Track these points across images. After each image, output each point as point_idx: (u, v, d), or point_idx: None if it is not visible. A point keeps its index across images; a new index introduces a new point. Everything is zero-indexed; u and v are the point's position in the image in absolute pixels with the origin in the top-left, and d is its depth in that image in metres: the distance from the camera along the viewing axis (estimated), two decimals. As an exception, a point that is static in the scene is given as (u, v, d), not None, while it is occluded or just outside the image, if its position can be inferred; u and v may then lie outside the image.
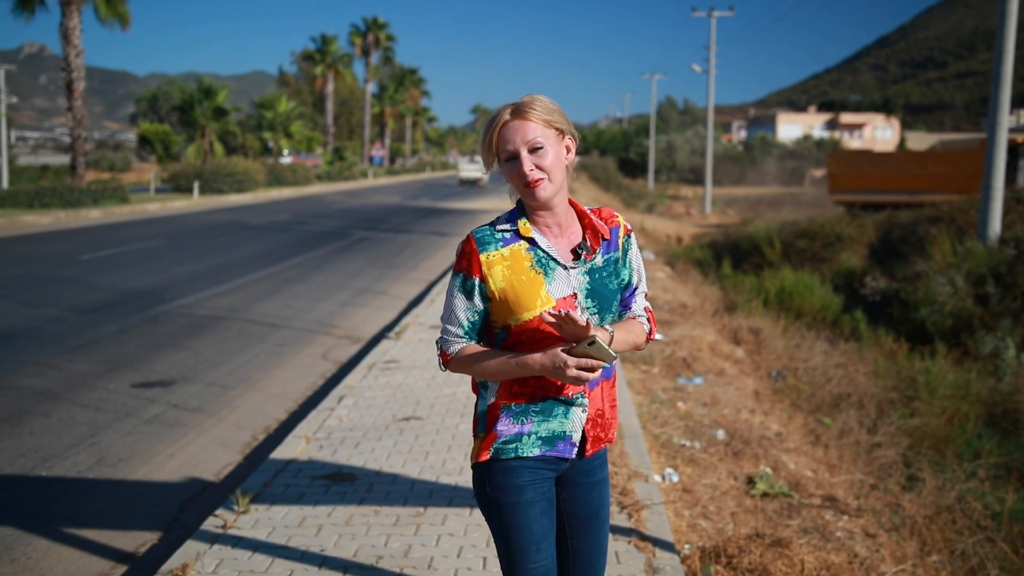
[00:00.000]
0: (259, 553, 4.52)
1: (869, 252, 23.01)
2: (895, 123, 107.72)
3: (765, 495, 6.19)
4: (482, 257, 2.68)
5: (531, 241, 2.70)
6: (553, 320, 2.48)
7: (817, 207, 37.53)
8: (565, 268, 2.69)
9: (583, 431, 2.76)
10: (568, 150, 2.72)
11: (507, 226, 2.73)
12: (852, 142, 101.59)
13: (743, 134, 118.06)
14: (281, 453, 6.16)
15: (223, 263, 17.24)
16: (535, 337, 2.65)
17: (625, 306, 2.83)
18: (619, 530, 4.79)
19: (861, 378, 11.14)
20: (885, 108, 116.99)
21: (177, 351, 9.88)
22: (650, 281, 16.87)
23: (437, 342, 2.79)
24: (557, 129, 2.68)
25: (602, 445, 2.84)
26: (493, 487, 2.75)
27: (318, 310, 12.61)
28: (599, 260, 2.74)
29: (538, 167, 2.62)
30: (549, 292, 2.65)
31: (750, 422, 8.03)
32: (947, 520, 6.51)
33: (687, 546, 4.89)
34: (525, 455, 2.72)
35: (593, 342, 2.47)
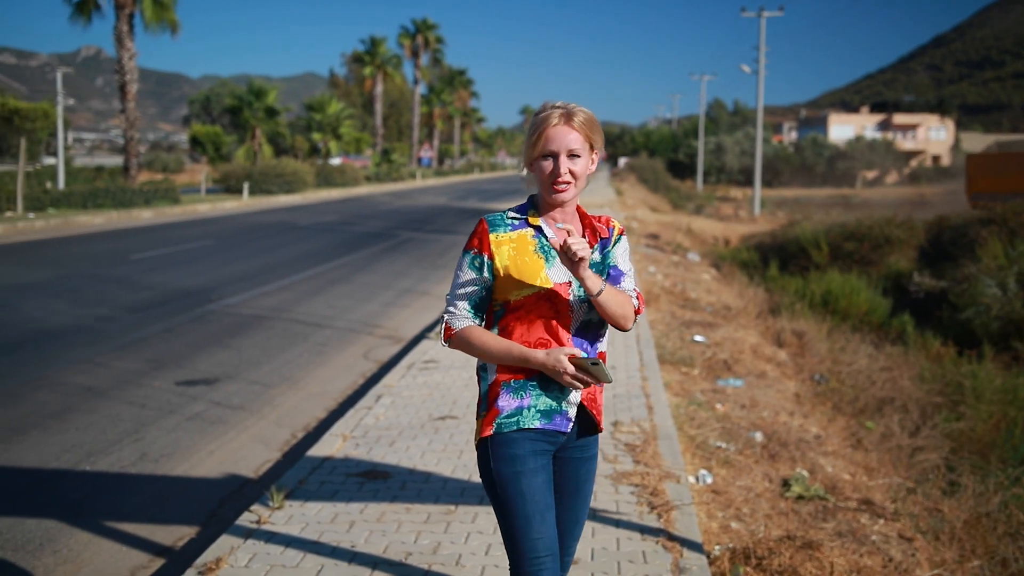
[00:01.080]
0: (291, 548, 4.60)
1: (919, 255, 22.74)
2: (949, 124, 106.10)
3: (800, 498, 6.16)
4: (492, 237, 2.97)
5: (538, 229, 2.99)
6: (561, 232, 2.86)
7: (867, 209, 37.13)
8: None
9: (585, 409, 3.01)
10: (593, 162, 3.00)
11: (517, 214, 3.02)
12: (905, 143, 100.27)
13: (794, 135, 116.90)
14: (318, 451, 6.24)
15: (270, 263, 17.45)
16: (531, 311, 2.93)
17: (614, 282, 3.06)
18: (648, 530, 4.81)
19: (906, 382, 11.02)
20: (940, 108, 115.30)
21: (222, 350, 10.03)
22: (694, 283, 16.81)
23: (443, 316, 3.03)
24: (591, 144, 2.97)
25: (597, 430, 3.11)
26: (497, 460, 2.94)
27: (361, 310, 12.73)
28: (596, 256, 3.02)
29: (571, 171, 2.91)
30: (548, 275, 2.93)
31: (789, 425, 7.99)
32: (988, 526, 6.43)
33: (717, 547, 4.89)
34: (526, 427, 2.93)
35: (597, 363, 2.75)
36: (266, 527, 4.88)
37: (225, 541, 4.71)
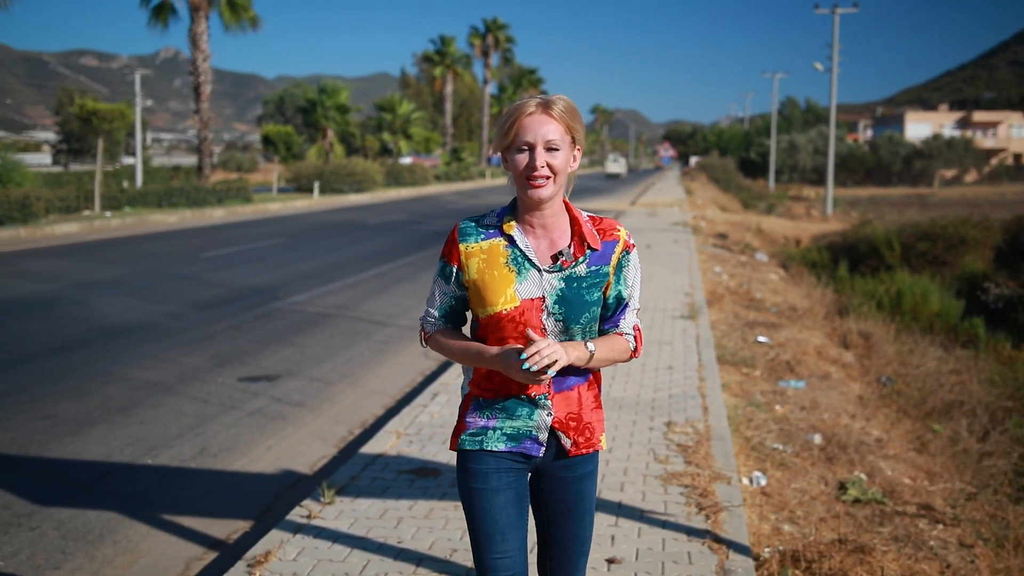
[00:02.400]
0: (338, 544, 4.66)
1: (995, 255, 22.21)
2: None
3: (857, 501, 6.07)
4: (461, 247, 2.76)
5: (511, 239, 2.73)
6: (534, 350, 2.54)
7: (943, 209, 36.37)
8: (539, 271, 2.70)
9: (556, 432, 2.77)
10: (575, 159, 2.74)
11: (493, 220, 2.78)
12: (985, 141, 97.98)
13: (869, 133, 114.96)
14: (371, 448, 6.31)
15: (337, 262, 17.66)
16: (498, 331, 2.70)
17: (614, 322, 2.82)
18: (695, 531, 4.78)
19: (975, 385, 10.78)
20: (1022, 105, 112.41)
21: (285, 347, 10.18)
22: (760, 283, 16.62)
23: (420, 320, 2.91)
24: (573, 137, 2.71)
25: (581, 451, 2.82)
26: (461, 472, 2.82)
27: (424, 308, 12.81)
28: (582, 269, 2.72)
29: (549, 165, 2.64)
30: (517, 291, 2.68)
31: (850, 427, 7.87)
32: (1057, 535, 6.27)
33: (767, 549, 4.84)
34: (489, 449, 2.76)
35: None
36: (316, 522, 4.95)
37: (275, 535, 4.80)
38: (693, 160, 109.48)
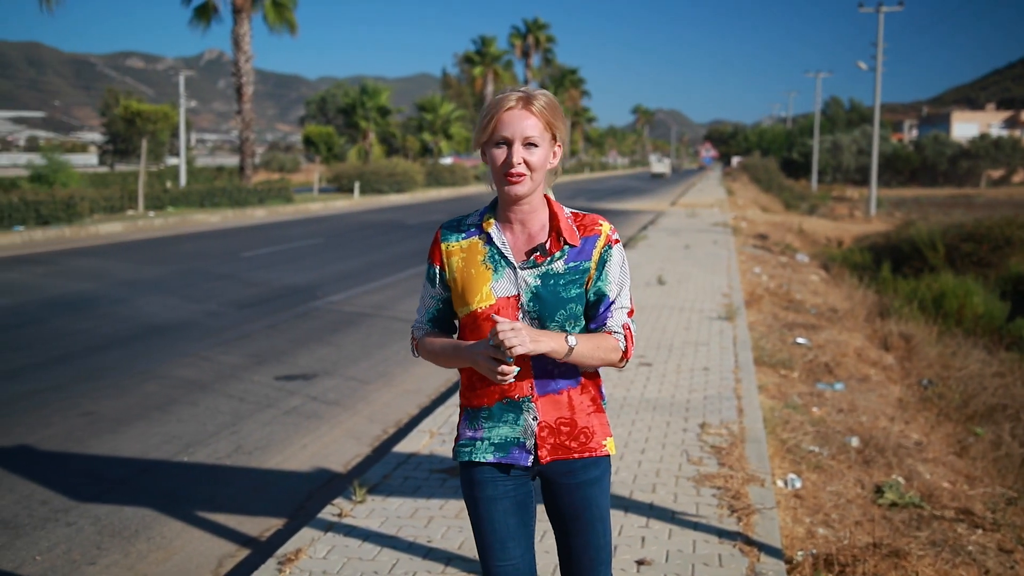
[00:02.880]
0: (368, 542, 4.68)
1: (1042, 257, 21.85)
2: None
3: (894, 505, 5.99)
4: (443, 246, 2.74)
5: (489, 237, 2.69)
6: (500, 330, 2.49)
7: (990, 209, 35.85)
8: (514, 268, 2.65)
9: (536, 439, 2.69)
10: (555, 155, 2.68)
11: (474, 219, 2.75)
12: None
13: (914, 133, 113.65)
14: (404, 447, 6.33)
15: (375, 261, 17.74)
16: (476, 330, 2.66)
17: (600, 321, 2.71)
18: (725, 533, 4.74)
19: (1020, 388, 10.61)
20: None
21: (322, 346, 10.24)
22: (800, 284, 16.47)
23: (411, 328, 2.88)
24: (553, 134, 2.65)
25: (572, 455, 2.71)
26: (462, 481, 2.80)
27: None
28: (559, 266, 2.65)
29: (526, 162, 2.58)
30: (493, 289, 2.64)
31: (888, 430, 7.78)
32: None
33: (800, 553, 4.79)
34: (479, 460, 2.72)
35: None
36: (347, 520, 4.97)
37: (306, 533, 4.82)
38: (735, 160, 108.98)
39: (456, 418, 6.95)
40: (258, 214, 30.77)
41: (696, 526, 4.85)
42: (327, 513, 5.09)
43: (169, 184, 35.46)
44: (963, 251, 21.97)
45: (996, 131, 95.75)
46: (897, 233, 27.34)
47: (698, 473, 5.71)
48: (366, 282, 14.90)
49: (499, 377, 2.54)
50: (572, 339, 2.58)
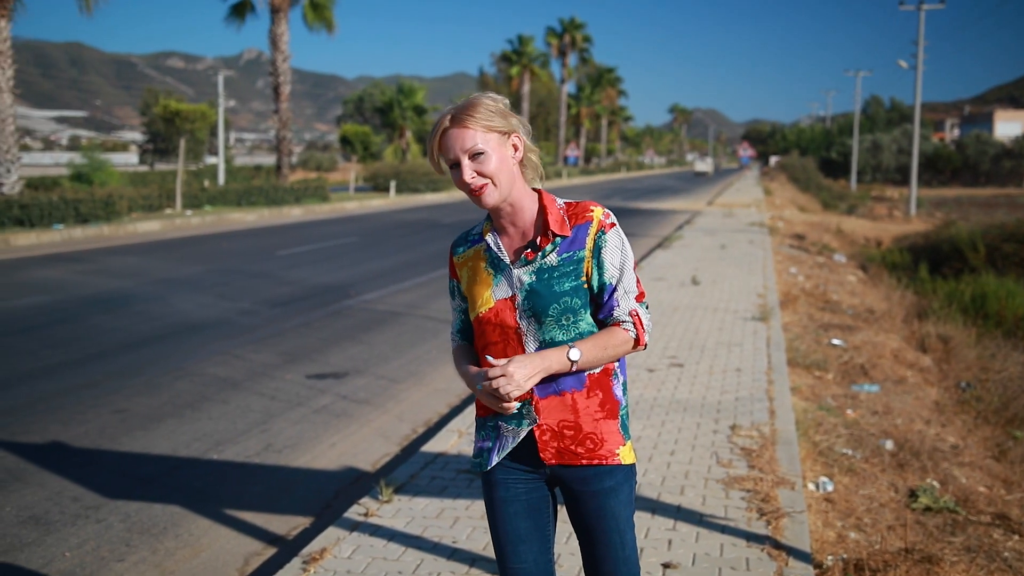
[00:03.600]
0: (394, 542, 4.66)
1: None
2: None
3: (928, 509, 5.90)
4: (455, 260, 2.79)
5: (487, 244, 2.70)
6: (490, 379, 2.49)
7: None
8: (510, 268, 2.64)
9: (537, 440, 2.65)
10: (516, 148, 2.62)
11: (478, 229, 2.77)
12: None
13: (956, 132, 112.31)
14: (432, 446, 6.31)
15: (409, 260, 17.77)
16: (482, 335, 2.68)
17: (607, 311, 2.64)
18: (754, 537, 4.68)
19: (1061, 392, 10.42)
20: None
21: (354, 344, 10.26)
22: (837, 285, 16.31)
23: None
24: (500, 132, 2.58)
25: (580, 461, 2.65)
26: (481, 483, 2.80)
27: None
28: (553, 259, 2.60)
29: (480, 173, 2.54)
30: (493, 293, 2.64)
31: (923, 433, 7.67)
32: None
33: (829, 557, 4.72)
34: (489, 467, 2.72)
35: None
36: (373, 520, 4.96)
37: (332, 532, 4.82)
38: (773, 160, 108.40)
39: (485, 418, 6.94)
40: (294, 213, 30.95)
41: (724, 529, 4.80)
42: (353, 512, 5.09)
43: (207, 183, 35.73)
44: (1004, 252, 21.62)
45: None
46: (937, 233, 26.99)
47: (727, 475, 5.65)
48: (399, 281, 14.92)
49: (503, 406, 2.54)
50: (575, 352, 2.54)
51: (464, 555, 4.51)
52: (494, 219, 2.68)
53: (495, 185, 2.55)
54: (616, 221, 2.67)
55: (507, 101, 2.67)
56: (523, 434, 2.64)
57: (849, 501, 5.77)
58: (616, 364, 2.68)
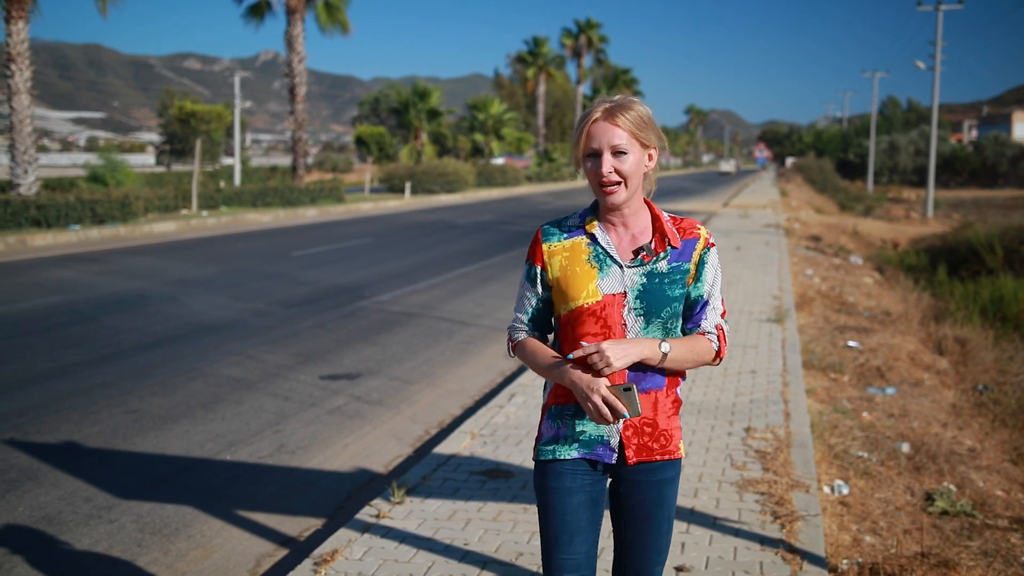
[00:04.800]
0: (405, 544, 4.64)
1: (1104, 260, 21.31)
2: None
3: (944, 513, 5.85)
4: (544, 247, 2.81)
5: (592, 237, 2.76)
6: (583, 355, 2.59)
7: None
8: (621, 266, 2.71)
9: (620, 437, 2.75)
10: (651, 158, 2.75)
11: (575, 221, 2.82)
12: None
13: (974, 134, 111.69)
14: (445, 448, 6.29)
15: (424, 261, 17.77)
16: (578, 326, 2.73)
17: (695, 322, 2.81)
18: (768, 540, 4.64)
19: (1080, 395, 10.33)
20: None
21: (367, 346, 10.25)
22: (853, 287, 16.22)
23: (508, 328, 2.91)
24: (642, 142, 2.71)
25: (655, 456, 2.78)
26: (537, 472, 2.85)
27: (509, 308, 12.78)
28: (663, 265, 2.73)
29: (617, 171, 2.66)
30: (599, 286, 2.70)
31: (940, 436, 7.60)
32: None
33: (844, 561, 4.68)
34: (562, 458, 2.78)
35: (629, 388, 2.56)
36: (384, 522, 4.94)
37: (343, 534, 4.80)
38: (789, 161, 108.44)
39: (499, 420, 6.93)
40: (309, 214, 31.00)
41: (737, 532, 4.76)
42: (365, 514, 5.07)
43: (223, 184, 35.83)
44: (1023, 254, 21.46)
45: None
46: (954, 235, 26.82)
47: (741, 478, 5.61)
48: (414, 282, 14.92)
49: (601, 421, 2.61)
50: (665, 345, 2.67)
51: (476, 557, 4.48)
52: (606, 218, 2.78)
53: (626, 187, 2.69)
54: (716, 242, 2.88)
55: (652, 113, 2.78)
56: (617, 431, 2.74)
57: (865, 504, 5.73)
58: None
